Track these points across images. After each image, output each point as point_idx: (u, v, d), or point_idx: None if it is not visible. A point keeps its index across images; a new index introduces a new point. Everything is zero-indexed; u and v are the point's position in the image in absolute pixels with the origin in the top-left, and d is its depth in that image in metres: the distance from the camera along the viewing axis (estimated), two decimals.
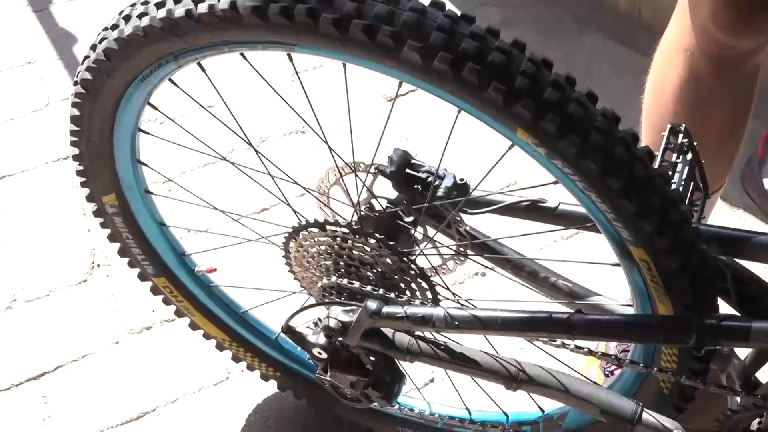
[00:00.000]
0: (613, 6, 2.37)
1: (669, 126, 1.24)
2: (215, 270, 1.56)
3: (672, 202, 1.04)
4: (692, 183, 1.21)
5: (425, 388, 1.72)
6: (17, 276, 1.99)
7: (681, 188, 1.18)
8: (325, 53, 1.06)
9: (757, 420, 1.19)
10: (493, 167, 1.14)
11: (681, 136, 1.24)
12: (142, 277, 1.55)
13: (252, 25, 1.04)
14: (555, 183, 1.08)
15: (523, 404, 1.48)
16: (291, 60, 1.13)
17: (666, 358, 1.19)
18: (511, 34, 0.98)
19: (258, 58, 1.16)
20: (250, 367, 1.69)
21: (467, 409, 1.52)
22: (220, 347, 1.66)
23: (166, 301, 1.60)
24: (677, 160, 1.22)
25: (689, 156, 1.23)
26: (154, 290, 1.58)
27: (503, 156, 1.10)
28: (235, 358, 1.67)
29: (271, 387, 1.74)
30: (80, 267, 1.99)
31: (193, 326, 1.63)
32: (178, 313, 1.62)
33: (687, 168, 1.21)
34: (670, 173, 1.20)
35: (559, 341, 1.16)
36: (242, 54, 1.15)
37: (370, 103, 2.09)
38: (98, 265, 1.98)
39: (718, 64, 1.42)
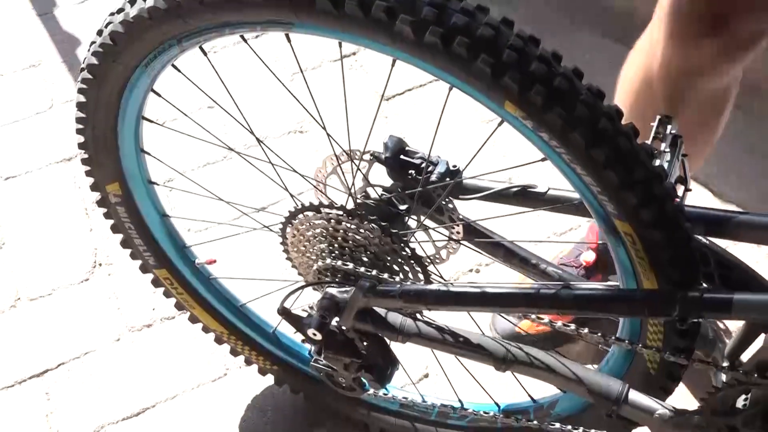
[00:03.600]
0: (609, 3, 2.41)
1: (658, 117, 1.27)
2: (215, 261, 1.57)
3: (656, 176, 1.06)
4: (677, 176, 1.24)
5: (420, 383, 1.74)
6: (21, 275, 2.01)
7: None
8: (321, 32, 1.08)
9: (743, 397, 1.20)
10: (482, 145, 1.16)
11: (669, 127, 1.26)
12: (144, 269, 1.57)
13: (251, 3, 1.07)
14: (543, 160, 1.10)
15: (515, 396, 1.49)
16: (289, 41, 1.16)
17: (652, 336, 1.20)
18: None
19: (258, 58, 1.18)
20: (248, 361, 1.71)
21: (460, 401, 1.53)
22: (218, 340, 1.68)
23: (167, 294, 1.61)
24: (664, 149, 1.25)
25: (676, 147, 1.25)
26: (156, 282, 1.60)
27: (493, 133, 1.13)
28: (234, 352, 1.69)
29: (268, 383, 1.75)
30: (82, 266, 2.01)
31: (193, 319, 1.65)
32: (179, 306, 1.63)
33: (673, 159, 1.24)
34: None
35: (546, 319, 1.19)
36: (242, 36, 1.18)
37: (368, 102, 2.13)
38: (100, 265, 2.00)
39: (672, 73, 1.45)
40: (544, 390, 1.45)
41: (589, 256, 1.77)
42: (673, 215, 1.08)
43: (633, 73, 1.52)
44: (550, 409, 1.44)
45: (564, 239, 1.88)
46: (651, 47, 1.45)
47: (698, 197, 1.96)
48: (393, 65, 1.10)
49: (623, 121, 1.06)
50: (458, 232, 1.34)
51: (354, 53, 2.35)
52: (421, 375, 1.76)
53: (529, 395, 1.46)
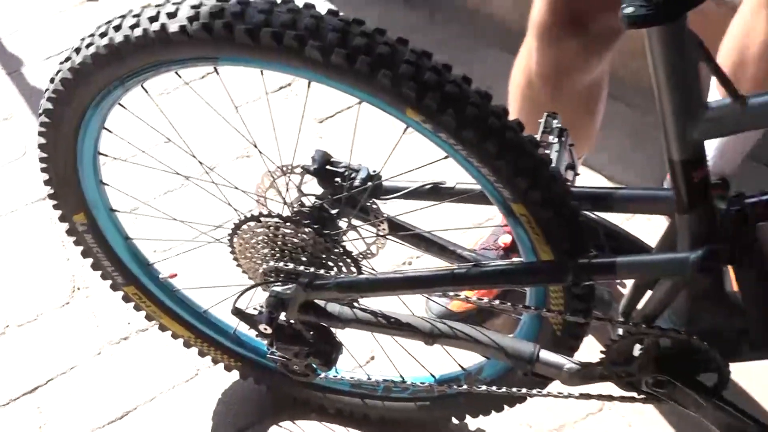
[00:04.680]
0: (506, 23, 2.43)
1: (545, 114, 1.29)
2: (176, 275, 1.57)
3: (541, 162, 1.09)
4: (567, 162, 1.26)
5: (367, 365, 1.74)
6: (8, 305, 1.98)
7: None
8: (244, 62, 1.09)
9: (638, 346, 1.22)
10: (393, 150, 1.18)
11: (555, 122, 1.28)
12: (114, 287, 1.56)
13: (180, 42, 1.08)
14: (446, 158, 1.12)
15: (448, 367, 1.50)
16: (217, 73, 1.17)
17: (555, 302, 1.22)
18: None
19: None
20: (215, 360, 1.70)
21: (401, 376, 1.54)
22: (187, 345, 1.67)
23: (137, 308, 1.60)
24: (552, 141, 1.27)
25: (563, 138, 1.28)
26: (126, 298, 1.59)
27: (400, 138, 1.14)
28: (201, 354, 1.68)
29: (234, 378, 1.74)
30: (63, 292, 1.98)
31: (163, 328, 1.64)
32: (149, 317, 1.62)
33: (561, 148, 1.26)
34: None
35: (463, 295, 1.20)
36: (177, 73, 1.18)
37: (304, 125, 2.14)
38: (78, 289, 1.98)
39: (546, 73, 1.49)
40: (472, 359, 1.47)
41: (506, 239, 1.79)
42: (559, 195, 1.10)
43: (517, 77, 1.56)
44: (477, 374, 1.45)
45: (483, 227, 1.89)
46: (528, 52, 1.48)
47: (593, 181, 1.99)
48: (309, 87, 1.12)
49: (512, 118, 1.08)
50: (384, 229, 1.35)
51: (289, 84, 2.35)
52: (368, 358, 1.76)
53: (459, 365, 1.47)
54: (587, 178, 2.01)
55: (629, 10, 0.89)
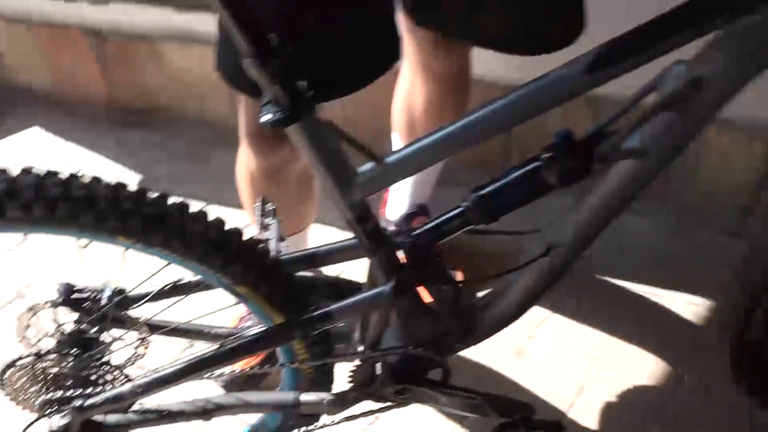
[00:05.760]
0: (227, 124, 2.40)
1: (260, 199, 1.33)
2: None
3: (248, 247, 1.11)
4: (279, 234, 1.30)
5: None
6: None
7: (273, 239, 1.26)
8: None
9: (378, 365, 1.27)
10: (121, 269, 1.16)
11: (267, 205, 1.32)
12: None
13: None
14: (168, 264, 1.12)
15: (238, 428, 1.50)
16: None
17: (300, 352, 1.25)
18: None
19: None
20: None
21: None
22: None
23: None
24: (268, 222, 1.31)
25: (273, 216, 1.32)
26: None
27: (124, 260, 1.12)
28: None
29: None
30: None
31: None
32: None
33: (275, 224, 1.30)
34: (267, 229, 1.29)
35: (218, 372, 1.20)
36: None
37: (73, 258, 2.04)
38: None
39: (263, 170, 1.52)
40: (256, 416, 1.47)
41: None
42: (270, 268, 1.13)
43: (241, 173, 1.58)
44: (263, 428, 1.46)
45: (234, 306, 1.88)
46: (246, 155, 1.51)
47: (332, 237, 2.04)
48: (25, 237, 1.07)
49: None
50: (145, 331, 1.32)
51: None
52: None
53: (246, 423, 1.47)
54: (333, 236, 2.04)
55: (266, 118, 0.94)
